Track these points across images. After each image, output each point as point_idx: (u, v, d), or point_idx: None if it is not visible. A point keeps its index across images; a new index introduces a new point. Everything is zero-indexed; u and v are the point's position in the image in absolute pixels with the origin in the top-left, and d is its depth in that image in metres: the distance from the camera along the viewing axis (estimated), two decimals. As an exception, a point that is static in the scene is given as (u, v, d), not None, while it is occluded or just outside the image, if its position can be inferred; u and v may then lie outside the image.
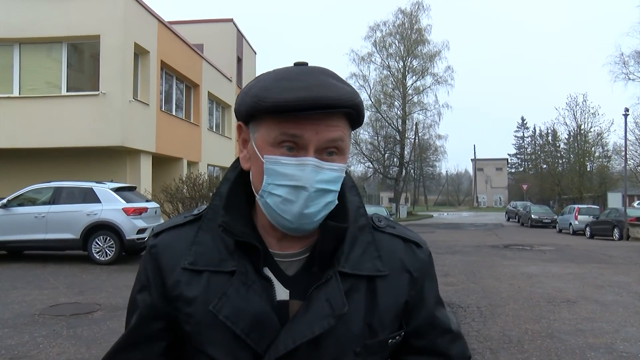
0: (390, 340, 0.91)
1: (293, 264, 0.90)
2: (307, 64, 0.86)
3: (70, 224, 10.39)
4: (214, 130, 23.44)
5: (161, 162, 17.31)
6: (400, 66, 39.39)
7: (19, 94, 14.54)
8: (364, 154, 40.50)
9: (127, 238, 10.35)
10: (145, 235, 10.67)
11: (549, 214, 31.44)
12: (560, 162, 45.34)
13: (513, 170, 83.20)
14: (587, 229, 22.80)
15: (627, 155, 26.87)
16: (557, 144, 46.36)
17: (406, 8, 39.02)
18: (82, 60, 15.61)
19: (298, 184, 0.81)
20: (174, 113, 18.57)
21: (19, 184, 12.06)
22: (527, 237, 21.21)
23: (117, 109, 14.06)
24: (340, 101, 0.80)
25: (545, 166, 49.38)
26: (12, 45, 14.51)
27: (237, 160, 0.94)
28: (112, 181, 11.84)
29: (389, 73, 39.75)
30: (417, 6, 38.58)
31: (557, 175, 42.23)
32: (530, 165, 70.21)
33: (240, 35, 27.11)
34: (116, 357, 0.95)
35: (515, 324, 6.06)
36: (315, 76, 0.82)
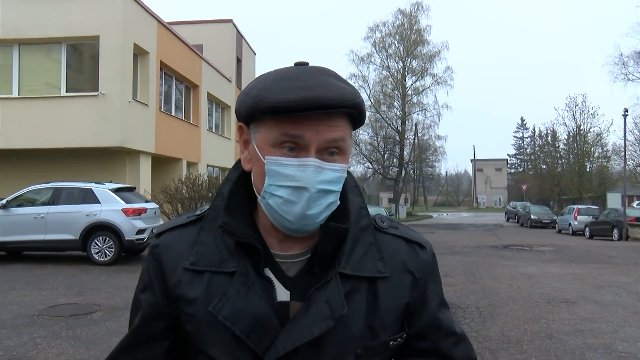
0: (391, 342, 0.90)
1: (294, 265, 0.89)
2: (307, 63, 0.86)
3: (70, 224, 10.39)
4: (214, 130, 23.44)
5: (160, 163, 17.31)
6: (399, 67, 39.40)
7: (18, 94, 14.54)
8: (363, 154, 40.49)
9: (126, 239, 10.35)
10: (145, 235, 10.67)
11: (548, 215, 31.45)
12: (560, 162, 45.36)
13: (512, 171, 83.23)
14: (587, 229, 22.81)
15: (627, 156, 26.89)
16: (557, 145, 46.40)
17: (406, 9, 39.06)
18: (82, 60, 15.61)
19: (299, 184, 0.81)
20: (173, 114, 18.57)
21: (18, 185, 12.07)
22: (526, 238, 21.21)
23: (116, 110, 14.06)
24: (340, 101, 0.80)
25: (544, 167, 49.41)
26: (12, 46, 14.51)
27: (239, 160, 0.93)
28: (111, 182, 11.84)
29: (388, 73, 39.76)
30: (416, 7, 38.63)
31: (557, 176, 42.24)
32: (529, 166, 70.24)
33: (239, 36, 27.12)
34: (120, 357, 0.94)
35: (515, 324, 6.06)
36: (316, 76, 0.81)
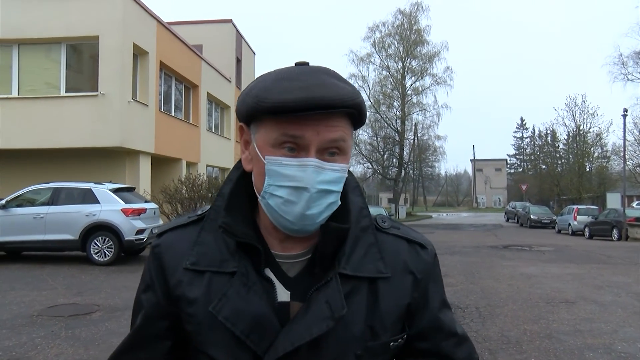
0: (392, 343, 0.90)
1: (295, 265, 0.89)
2: (308, 63, 0.86)
3: (69, 224, 10.38)
4: (213, 131, 23.44)
5: (160, 163, 17.31)
6: (399, 67, 39.40)
7: (18, 94, 14.53)
8: (363, 154, 40.52)
9: (125, 239, 10.34)
10: (144, 236, 10.66)
11: (548, 215, 31.47)
12: (560, 162, 45.39)
13: (512, 171, 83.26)
14: (586, 229, 22.82)
15: (626, 156, 26.89)
16: (556, 145, 46.43)
17: (405, 9, 39.07)
18: (81, 61, 15.60)
19: (299, 184, 0.81)
20: (173, 114, 18.57)
21: (17, 185, 12.06)
22: (526, 238, 21.22)
23: (116, 110, 14.05)
24: (340, 101, 0.79)
25: (544, 167, 49.42)
26: (11, 46, 14.51)
27: (241, 160, 0.94)
28: (111, 182, 11.84)
29: (388, 74, 39.76)
30: (416, 7, 38.63)
31: (556, 176, 42.26)
32: (529, 166, 70.26)
33: (239, 36, 27.12)
34: (122, 357, 0.95)
35: (514, 324, 6.06)
36: (316, 76, 0.81)
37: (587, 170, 39.89)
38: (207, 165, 21.67)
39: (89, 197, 10.59)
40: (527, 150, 77.81)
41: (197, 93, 20.71)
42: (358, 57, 39.68)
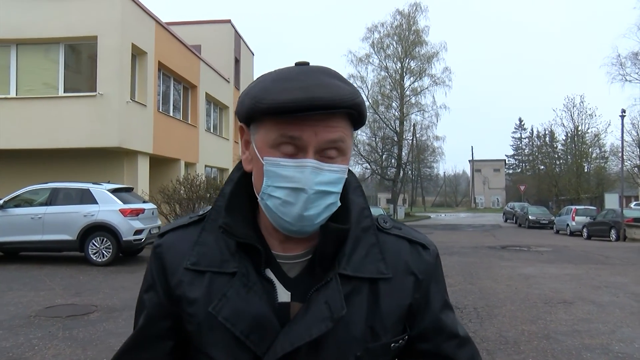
0: (393, 344, 0.89)
1: (295, 265, 0.89)
2: (308, 63, 0.85)
3: (67, 225, 10.36)
4: (212, 131, 23.42)
5: (158, 163, 17.29)
6: (398, 67, 39.40)
7: (16, 94, 14.51)
8: (361, 155, 40.53)
9: (124, 239, 10.33)
10: (142, 236, 10.65)
11: (546, 215, 31.50)
12: (558, 163, 45.43)
13: (511, 172, 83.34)
14: (585, 229, 22.85)
15: (624, 157, 26.98)
16: (555, 145, 46.47)
17: (404, 9, 39.05)
18: (80, 61, 15.59)
19: (297, 185, 0.80)
20: (171, 114, 18.56)
21: (15, 185, 12.04)
22: (524, 238, 21.24)
23: (114, 110, 14.04)
24: (339, 101, 0.79)
25: (542, 167, 49.47)
26: (9, 46, 14.49)
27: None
28: (109, 182, 11.83)
29: (386, 74, 39.76)
30: (414, 7, 38.63)
31: (555, 177, 42.30)
32: (527, 167, 70.32)
33: (238, 36, 27.12)
34: (124, 357, 0.95)
35: (512, 324, 6.07)
36: (315, 76, 0.81)
37: (586, 170, 39.92)
38: (206, 166, 21.66)
39: (87, 198, 10.58)
40: (526, 151, 77.92)
41: (196, 93, 20.70)
42: (357, 58, 39.71)
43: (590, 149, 39.74)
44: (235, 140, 26.17)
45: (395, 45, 39.14)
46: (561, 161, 45.04)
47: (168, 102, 18.58)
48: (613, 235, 20.86)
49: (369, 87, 39.89)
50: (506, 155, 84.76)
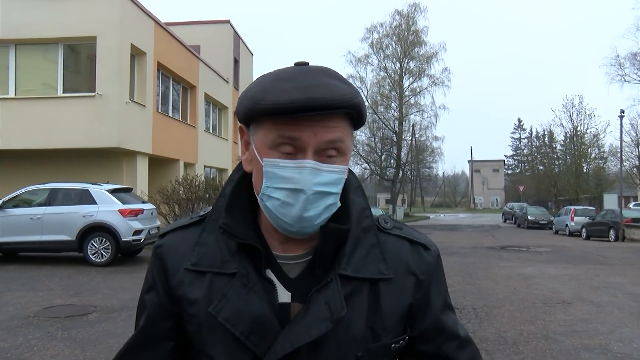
0: (393, 345, 0.89)
1: (296, 266, 0.89)
2: (307, 63, 0.85)
3: (66, 225, 10.35)
4: (211, 131, 23.42)
5: (158, 164, 17.29)
6: (397, 67, 39.40)
7: (15, 95, 14.50)
8: (360, 155, 40.53)
9: (122, 239, 10.32)
10: (141, 236, 10.65)
11: (545, 216, 31.52)
12: (557, 163, 45.46)
13: (510, 172, 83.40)
14: (583, 230, 22.87)
15: (623, 157, 26.99)
16: (554, 146, 46.50)
17: (403, 10, 39.04)
18: (79, 61, 15.58)
19: (296, 186, 0.80)
20: (170, 114, 18.55)
21: (14, 186, 12.03)
22: (523, 239, 21.25)
23: (113, 111, 14.03)
24: (338, 101, 0.78)
25: (541, 167, 49.46)
26: (8, 46, 14.47)
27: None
28: (108, 182, 11.82)
29: (385, 74, 39.76)
30: (413, 8, 38.63)
31: (554, 177, 42.31)
32: (526, 167, 70.36)
33: (237, 37, 27.11)
34: (126, 357, 0.95)
35: (511, 325, 6.07)
36: (314, 76, 0.80)
37: (585, 171, 39.93)
38: (205, 166, 21.65)
39: (86, 198, 10.57)
40: (525, 151, 77.94)
41: (195, 94, 20.70)
42: (356, 58, 39.72)
43: (589, 150, 39.75)
44: (234, 141, 26.16)
45: (394, 46, 39.15)
46: (560, 161, 45.06)
47: (167, 103, 18.57)
48: (612, 236, 20.88)
49: (368, 87, 39.92)
50: (505, 156, 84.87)
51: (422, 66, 38.98)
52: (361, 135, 40.31)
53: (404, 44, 38.58)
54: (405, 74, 39.39)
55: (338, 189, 0.84)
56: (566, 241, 20.63)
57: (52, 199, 10.66)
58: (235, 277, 0.85)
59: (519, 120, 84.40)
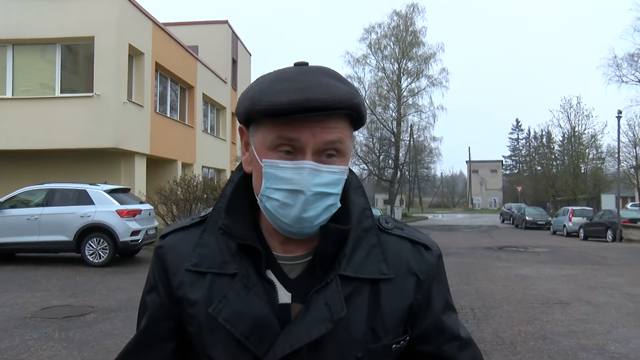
0: (394, 346, 0.88)
1: (296, 267, 0.89)
2: (307, 63, 0.85)
3: (64, 225, 10.33)
4: (209, 132, 23.40)
5: (155, 164, 17.26)
6: (395, 68, 39.40)
7: (12, 95, 14.47)
8: (358, 155, 40.52)
9: (120, 240, 10.31)
10: (139, 237, 10.63)
11: (543, 216, 31.57)
12: (555, 164, 45.55)
13: (508, 172, 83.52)
14: (581, 230, 22.91)
15: (620, 157, 27.03)
16: (552, 146, 46.60)
17: (401, 10, 39.02)
18: (76, 61, 15.56)
19: (295, 187, 0.80)
20: (168, 115, 18.54)
21: (12, 186, 12.00)
22: (521, 239, 21.27)
23: (111, 111, 14.02)
24: (337, 102, 0.78)
25: (539, 168, 49.57)
26: (6, 46, 14.45)
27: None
28: (106, 183, 11.81)
29: (383, 75, 39.74)
30: (412, 8, 38.63)
31: (552, 177, 42.36)
32: (524, 167, 70.54)
33: (235, 37, 27.11)
34: (127, 358, 0.95)
35: (509, 325, 6.08)
36: (313, 77, 0.80)
37: (582, 171, 40.00)
38: (203, 167, 21.64)
39: (83, 198, 10.55)
40: (523, 152, 78.13)
41: (193, 94, 20.69)
42: (354, 59, 39.72)
43: (587, 150, 39.84)
44: (232, 141, 26.15)
45: (392, 46, 39.15)
46: (558, 162, 45.15)
47: (165, 103, 18.56)
48: (609, 236, 20.93)
49: (366, 88, 39.90)
50: (503, 156, 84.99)
51: (420, 67, 38.99)
52: (359, 135, 40.28)
53: (402, 44, 38.59)
54: (403, 75, 39.40)
55: (338, 190, 0.84)
56: (564, 241, 20.66)
57: (50, 199, 10.63)
58: (236, 278, 0.85)
59: (517, 121, 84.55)
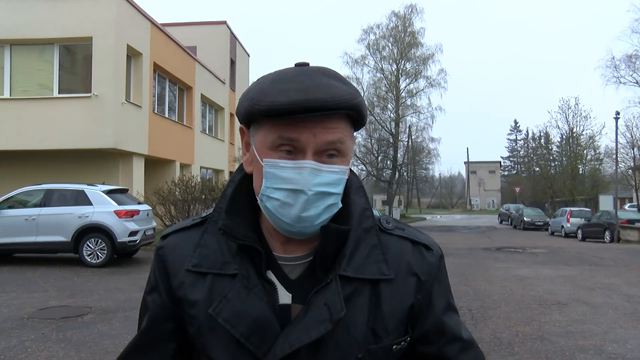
0: (394, 346, 0.88)
1: (297, 267, 0.89)
2: (308, 64, 0.85)
3: (62, 226, 10.31)
4: (207, 132, 23.38)
5: (154, 165, 17.25)
6: (393, 69, 39.42)
7: (10, 95, 14.45)
8: (357, 156, 40.54)
9: (118, 240, 10.29)
10: (137, 238, 10.62)
11: (541, 217, 31.61)
12: (553, 165, 45.61)
13: (506, 173, 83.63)
14: (579, 231, 22.95)
15: (618, 158, 27.08)
16: (550, 147, 46.68)
17: (399, 11, 39.05)
18: (75, 62, 15.54)
19: (296, 187, 0.80)
20: (166, 115, 18.52)
21: (10, 187, 11.99)
22: (519, 240, 21.30)
23: (109, 111, 14.00)
24: (337, 102, 0.78)
25: (537, 169, 49.65)
26: (3, 47, 14.43)
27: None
28: (104, 183, 11.79)
29: (382, 76, 39.76)
30: (410, 9, 38.66)
31: (550, 178, 42.45)
32: (523, 168, 70.66)
33: (233, 38, 27.11)
34: (129, 359, 0.95)
35: (506, 326, 6.09)
36: (313, 77, 0.80)
37: (580, 172, 40.07)
38: (201, 167, 21.62)
39: (81, 199, 10.53)
40: (521, 153, 78.27)
41: (191, 95, 20.67)
42: (352, 59, 39.72)
43: (585, 151, 39.90)
44: (230, 142, 26.14)
45: (390, 47, 39.17)
46: (556, 163, 45.21)
47: (163, 104, 18.54)
48: (607, 237, 20.96)
49: (365, 88, 39.88)
50: (501, 157, 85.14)
51: (418, 67, 39.02)
52: (358, 136, 40.22)
53: (401, 45, 38.62)
54: (401, 76, 39.42)
55: (339, 190, 0.84)
56: (562, 242, 20.70)
57: (48, 199, 10.62)
58: (236, 279, 0.85)
59: (515, 122, 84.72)
